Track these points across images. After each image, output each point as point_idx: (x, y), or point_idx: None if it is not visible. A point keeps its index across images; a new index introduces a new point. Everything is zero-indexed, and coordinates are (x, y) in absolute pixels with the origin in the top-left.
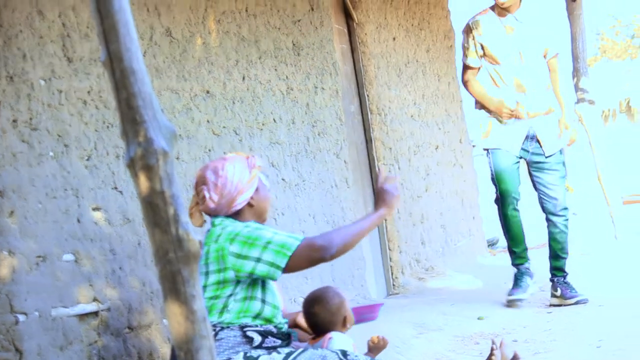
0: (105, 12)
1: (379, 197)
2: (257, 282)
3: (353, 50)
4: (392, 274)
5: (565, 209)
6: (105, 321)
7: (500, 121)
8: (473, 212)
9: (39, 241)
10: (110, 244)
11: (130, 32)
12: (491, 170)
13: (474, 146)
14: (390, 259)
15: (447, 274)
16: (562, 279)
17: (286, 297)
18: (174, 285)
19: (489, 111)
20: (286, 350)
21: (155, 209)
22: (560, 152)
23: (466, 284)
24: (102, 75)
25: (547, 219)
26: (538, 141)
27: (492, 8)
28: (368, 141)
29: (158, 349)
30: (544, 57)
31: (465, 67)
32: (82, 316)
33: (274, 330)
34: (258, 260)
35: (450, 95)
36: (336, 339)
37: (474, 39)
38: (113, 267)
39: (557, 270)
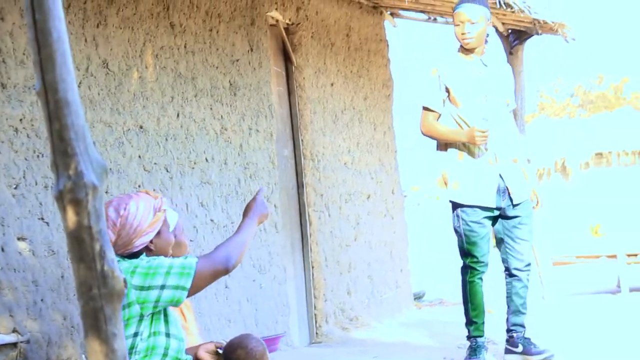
0: (43, 41)
1: (250, 207)
2: (159, 315)
3: (290, 93)
4: (315, 322)
5: (529, 264)
6: (24, 353)
7: (473, 154)
8: (401, 264)
9: None
10: (33, 275)
11: (67, 62)
12: (460, 233)
13: (405, 196)
14: (315, 307)
15: (371, 325)
16: (522, 335)
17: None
18: (95, 323)
19: (457, 147)
20: None
21: (82, 243)
22: (529, 205)
23: (390, 336)
24: (36, 103)
25: (511, 275)
26: (508, 191)
27: (459, 50)
28: (299, 186)
29: None
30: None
31: (426, 111)
32: (1, 347)
33: None
34: (162, 287)
35: (385, 144)
36: None
37: (438, 80)
38: (35, 298)
39: (518, 326)
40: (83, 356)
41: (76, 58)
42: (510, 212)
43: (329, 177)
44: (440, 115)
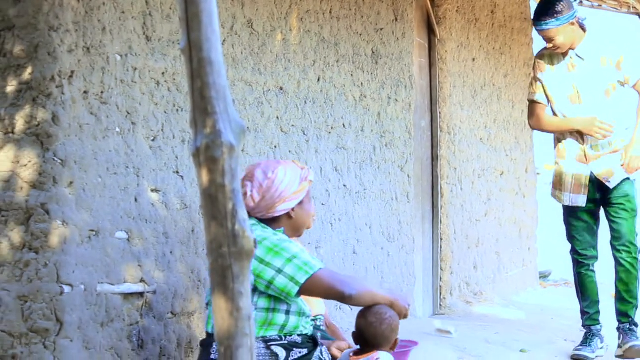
0: None
1: (400, 294)
2: None
3: (431, 65)
4: (440, 294)
5: (633, 244)
6: (149, 303)
7: (595, 147)
8: (529, 243)
9: (93, 215)
10: (164, 227)
11: (213, 22)
12: (565, 226)
13: (538, 174)
14: (441, 278)
15: (495, 301)
16: (628, 326)
17: (331, 305)
18: (223, 280)
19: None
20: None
21: (215, 201)
22: (628, 183)
23: (513, 314)
24: (179, 58)
25: (613, 256)
26: (601, 183)
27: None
28: (434, 158)
29: (197, 338)
30: (624, 85)
31: (533, 104)
32: (127, 295)
33: (299, 340)
34: (279, 271)
35: (523, 122)
36: (383, 358)
37: (538, 74)
38: (164, 250)
39: (622, 316)
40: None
41: (221, 16)
42: (608, 196)
43: (464, 151)
44: (546, 107)
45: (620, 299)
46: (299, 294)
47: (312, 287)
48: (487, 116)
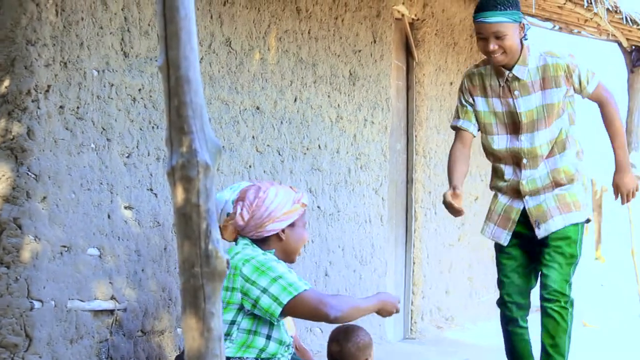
0: (170, 17)
1: (384, 295)
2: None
3: (408, 88)
4: (411, 318)
5: (563, 294)
6: (120, 321)
7: (532, 181)
8: None
9: (66, 231)
10: (136, 244)
11: (192, 40)
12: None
13: None
14: (412, 302)
15: (466, 327)
16: None
17: (302, 326)
18: (194, 300)
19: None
20: None
21: (189, 221)
22: (573, 227)
23: (485, 339)
24: (156, 75)
25: (540, 306)
26: (534, 223)
27: (487, 62)
28: (409, 181)
29: (167, 357)
30: (579, 94)
31: (457, 131)
32: (97, 312)
33: None
34: (264, 290)
35: None
36: None
37: (466, 97)
38: (136, 268)
39: None
40: (178, 330)
41: (200, 34)
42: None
43: (439, 175)
44: (472, 136)
45: (545, 354)
46: (283, 314)
47: (296, 309)
48: None
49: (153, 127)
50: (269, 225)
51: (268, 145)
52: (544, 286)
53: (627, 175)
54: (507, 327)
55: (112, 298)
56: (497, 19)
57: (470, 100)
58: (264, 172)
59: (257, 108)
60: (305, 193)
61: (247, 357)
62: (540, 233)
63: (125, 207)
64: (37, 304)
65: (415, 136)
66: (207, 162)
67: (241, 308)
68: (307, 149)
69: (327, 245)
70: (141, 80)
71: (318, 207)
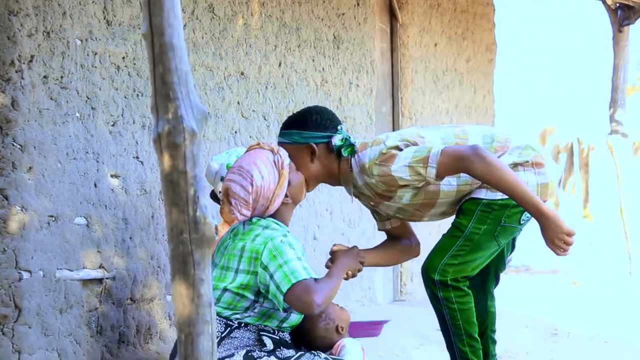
0: None
1: (340, 258)
2: None
3: (393, 50)
4: (401, 280)
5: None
6: (109, 289)
7: None
8: None
9: (53, 200)
10: (124, 212)
11: (175, 7)
12: None
13: None
14: (401, 265)
15: None
16: None
17: None
18: (184, 267)
19: None
20: (286, 354)
21: (176, 188)
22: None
23: None
24: (139, 42)
25: None
26: None
27: None
28: None
29: (157, 324)
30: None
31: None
32: (86, 281)
33: (289, 339)
34: (271, 276)
35: (484, 108)
36: (348, 347)
37: None
38: (124, 236)
39: None
40: (168, 297)
41: (182, 0)
42: None
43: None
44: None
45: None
46: (286, 302)
47: (291, 300)
48: (448, 102)
49: (138, 95)
50: (273, 204)
51: (253, 111)
52: None
53: (547, 224)
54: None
55: (101, 267)
56: (279, 139)
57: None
58: (250, 137)
59: (242, 73)
60: (280, 148)
61: (265, 326)
62: None
63: (112, 176)
64: (25, 275)
65: (401, 98)
66: (193, 128)
67: (259, 292)
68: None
69: (315, 209)
70: (125, 49)
71: None
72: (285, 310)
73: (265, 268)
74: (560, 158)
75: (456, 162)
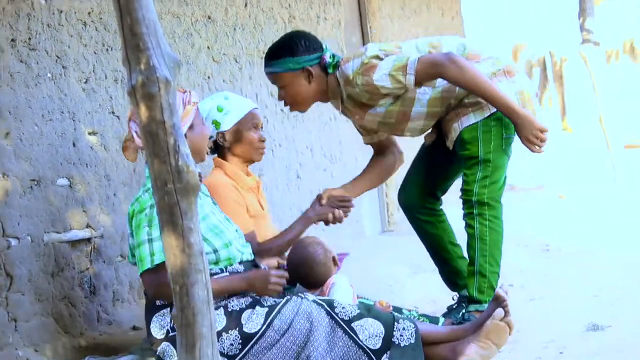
0: None
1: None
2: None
3: None
4: (387, 210)
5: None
6: (98, 248)
7: None
8: None
9: (33, 164)
10: (105, 170)
11: None
12: None
13: None
14: (387, 195)
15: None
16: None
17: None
18: (171, 218)
19: None
20: (270, 302)
21: (156, 139)
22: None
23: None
24: None
25: None
26: None
27: None
28: None
29: None
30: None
31: None
32: (75, 243)
33: (241, 268)
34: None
35: (454, 30)
36: (339, 284)
37: None
38: (108, 193)
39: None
40: None
41: None
42: None
43: None
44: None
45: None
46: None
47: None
48: (417, 27)
49: (108, 50)
50: None
51: (224, 54)
52: None
53: (521, 123)
54: None
55: (88, 226)
56: (270, 70)
57: None
58: (224, 81)
59: (209, 18)
60: (194, 91)
61: (212, 270)
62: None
63: (90, 134)
64: (13, 242)
65: (370, 27)
66: (167, 77)
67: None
68: (264, 53)
69: (295, 147)
70: (90, 4)
71: (282, 110)
72: (215, 251)
73: (132, 236)
74: (534, 73)
75: (432, 68)
